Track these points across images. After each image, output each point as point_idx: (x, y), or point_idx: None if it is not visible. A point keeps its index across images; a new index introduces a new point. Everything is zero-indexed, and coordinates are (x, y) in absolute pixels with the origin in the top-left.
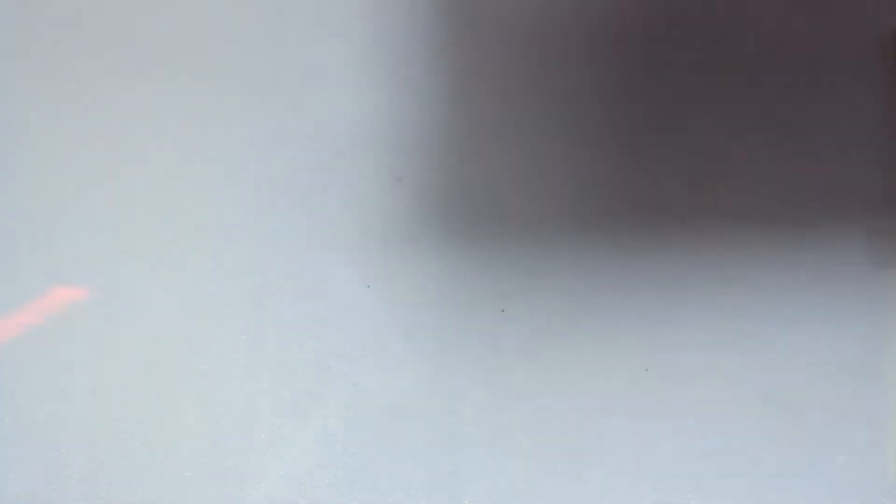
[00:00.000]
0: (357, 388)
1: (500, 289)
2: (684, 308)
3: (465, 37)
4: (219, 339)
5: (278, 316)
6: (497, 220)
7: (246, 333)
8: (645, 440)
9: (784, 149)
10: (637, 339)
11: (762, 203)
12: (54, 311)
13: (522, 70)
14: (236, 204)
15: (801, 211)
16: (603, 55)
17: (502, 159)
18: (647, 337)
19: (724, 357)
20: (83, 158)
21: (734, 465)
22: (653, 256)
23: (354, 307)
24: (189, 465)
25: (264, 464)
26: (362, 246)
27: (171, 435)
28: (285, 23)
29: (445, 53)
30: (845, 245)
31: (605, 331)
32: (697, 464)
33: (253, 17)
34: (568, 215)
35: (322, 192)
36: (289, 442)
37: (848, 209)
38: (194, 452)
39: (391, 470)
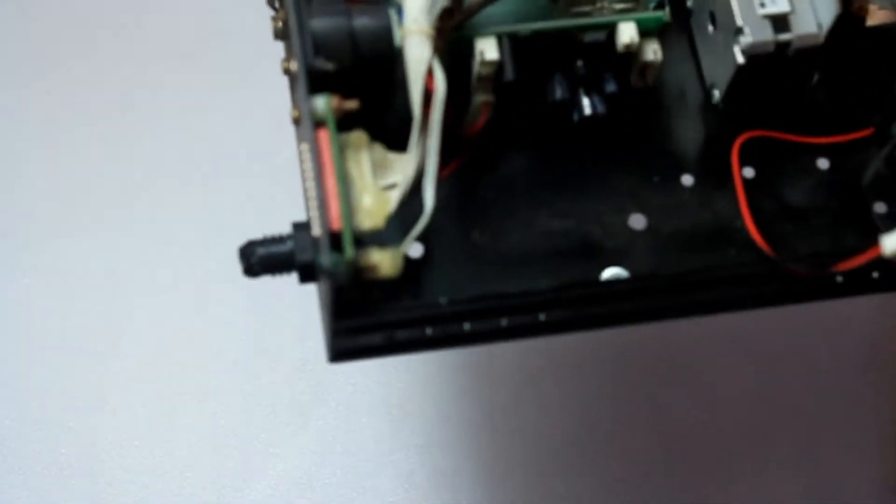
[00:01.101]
0: (357, 388)
1: None
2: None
3: None
4: (219, 339)
5: (279, 315)
6: None
7: (246, 333)
8: (644, 436)
9: None
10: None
11: None
12: (54, 310)
13: None
14: (236, 202)
15: None
16: None
17: None
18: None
19: (722, 353)
20: (79, 156)
21: (733, 464)
22: None
23: None
24: (189, 466)
25: (264, 464)
26: None
27: (171, 435)
28: None
29: None
30: None
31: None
32: (696, 459)
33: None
34: None
35: None
36: (289, 442)
37: None
38: (194, 452)
39: (391, 470)
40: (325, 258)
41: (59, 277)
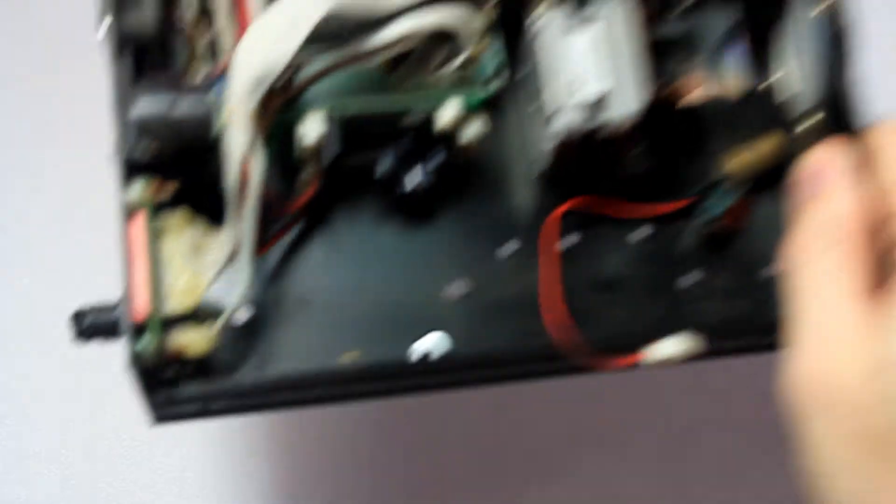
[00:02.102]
0: None
1: None
2: None
3: None
4: None
5: None
6: None
7: None
8: (640, 436)
9: None
10: None
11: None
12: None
13: None
14: None
15: None
16: None
17: None
18: None
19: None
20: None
21: (734, 463)
22: None
23: None
24: (187, 466)
25: None
26: None
27: (169, 435)
28: None
29: None
30: None
31: None
32: (695, 461)
33: None
34: None
35: None
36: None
37: None
38: (193, 453)
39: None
40: (130, 346)
41: (59, 277)
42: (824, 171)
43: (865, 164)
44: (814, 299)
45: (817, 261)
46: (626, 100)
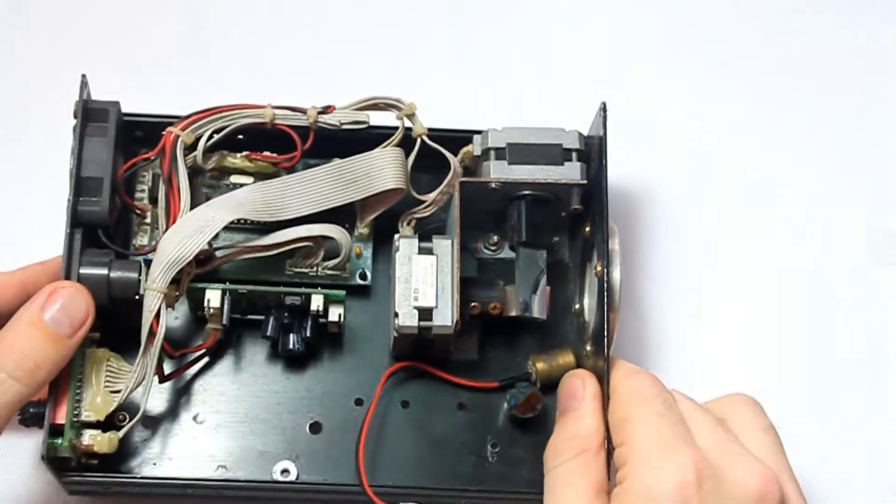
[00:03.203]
0: None
1: None
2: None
3: None
4: None
5: None
6: None
7: None
8: None
9: None
10: None
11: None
12: None
13: None
14: None
15: (800, 210)
16: None
17: None
18: None
19: (724, 357)
20: None
21: None
22: None
23: None
24: None
25: None
26: None
27: None
28: None
29: None
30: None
31: None
32: None
33: None
34: None
35: None
36: None
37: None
38: None
39: None
40: (45, 440)
41: None
42: (577, 392)
43: (607, 394)
44: (558, 494)
45: (564, 463)
46: (444, 317)
